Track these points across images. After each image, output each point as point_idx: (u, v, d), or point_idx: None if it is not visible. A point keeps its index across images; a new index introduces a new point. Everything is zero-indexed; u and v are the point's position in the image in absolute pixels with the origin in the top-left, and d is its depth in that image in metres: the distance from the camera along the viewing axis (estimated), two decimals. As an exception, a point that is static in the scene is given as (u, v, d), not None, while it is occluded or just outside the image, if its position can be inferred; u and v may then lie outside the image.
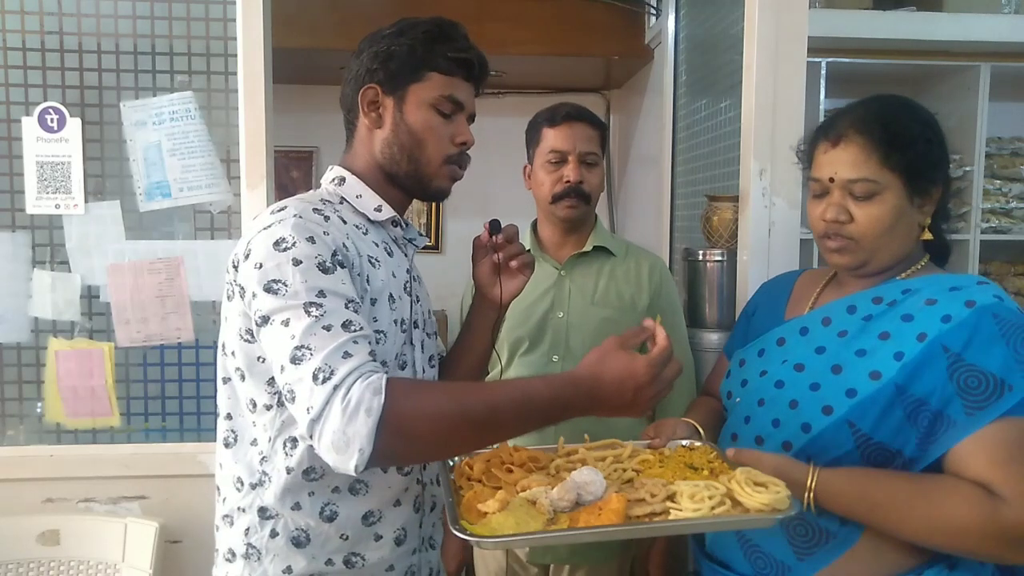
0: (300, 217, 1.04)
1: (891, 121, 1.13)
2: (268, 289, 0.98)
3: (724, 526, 1.08)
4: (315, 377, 0.92)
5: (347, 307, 0.99)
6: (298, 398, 0.93)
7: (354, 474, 0.91)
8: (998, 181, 2.43)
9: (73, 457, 1.80)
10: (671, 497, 1.02)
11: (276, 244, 1.01)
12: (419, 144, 1.17)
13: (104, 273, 1.77)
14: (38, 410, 1.81)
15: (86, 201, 1.76)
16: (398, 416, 0.91)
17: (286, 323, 0.96)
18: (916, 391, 1.07)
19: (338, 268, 1.02)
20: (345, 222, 1.13)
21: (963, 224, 2.36)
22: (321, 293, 0.98)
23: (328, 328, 0.96)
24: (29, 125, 1.74)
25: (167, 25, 1.77)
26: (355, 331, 0.97)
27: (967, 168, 2.34)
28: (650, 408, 1.03)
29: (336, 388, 0.91)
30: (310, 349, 0.94)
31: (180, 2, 1.77)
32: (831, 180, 1.15)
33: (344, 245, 1.06)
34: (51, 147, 1.75)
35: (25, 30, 1.75)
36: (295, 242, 1.01)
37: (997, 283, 2.56)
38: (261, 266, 1.00)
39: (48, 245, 1.78)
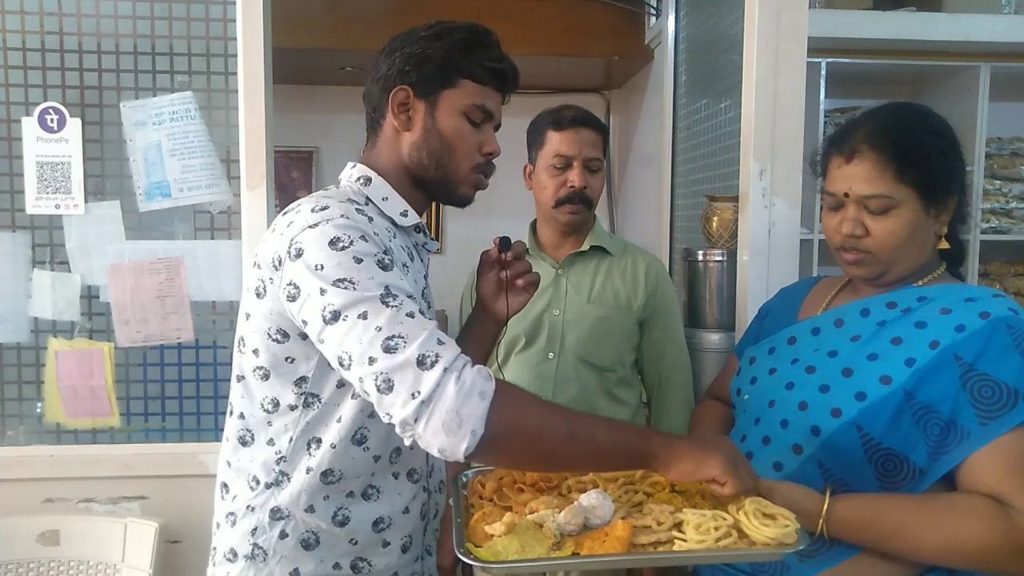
0: (347, 217, 1.03)
1: (904, 135, 1.12)
2: (336, 287, 0.97)
3: (728, 559, 1.08)
4: (421, 362, 0.92)
5: (412, 300, 0.99)
6: (398, 385, 0.91)
7: (462, 458, 0.91)
8: (998, 181, 2.43)
9: (73, 457, 1.80)
10: (678, 526, 1.02)
11: (332, 243, 0.99)
12: (449, 151, 1.16)
13: (104, 273, 1.77)
14: (38, 410, 1.81)
15: (86, 201, 1.76)
16: (509, 403, 0.94)
17: (364, 316, 0.95)
18: (924, 397, 1.07)
19: (393, 267, 1.02)
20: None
21: (963, 224, 2.36)
22: (388, 287, 0.98)
23: (412, 316, 0.96)
24: (29, 125, 1.74)
25: (167, 25, 1.77)
26: (432, 321, 0.98)
27: (967, 168, 2.33)
28: (728, 476, 1.01)
29: (447, 371, 0.92)
30: (403, 338, 0.93)
31: (180, 2, 1.77)
32: (846, 195, 1.15)
33: (389, 247, 1.06)
34: (51, 147, 1.75)
35: (25, 30, 1.75)
36: (352, 240, 1.00)
37: (997, 283, 2.58)
38: (322, 267, 0.98)
39: (48, 245, 1.78)
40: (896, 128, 1.13)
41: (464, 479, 1.24)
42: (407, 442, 0.94)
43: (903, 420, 1.07)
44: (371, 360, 0.93)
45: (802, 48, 1.72)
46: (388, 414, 0.93)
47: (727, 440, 1.16)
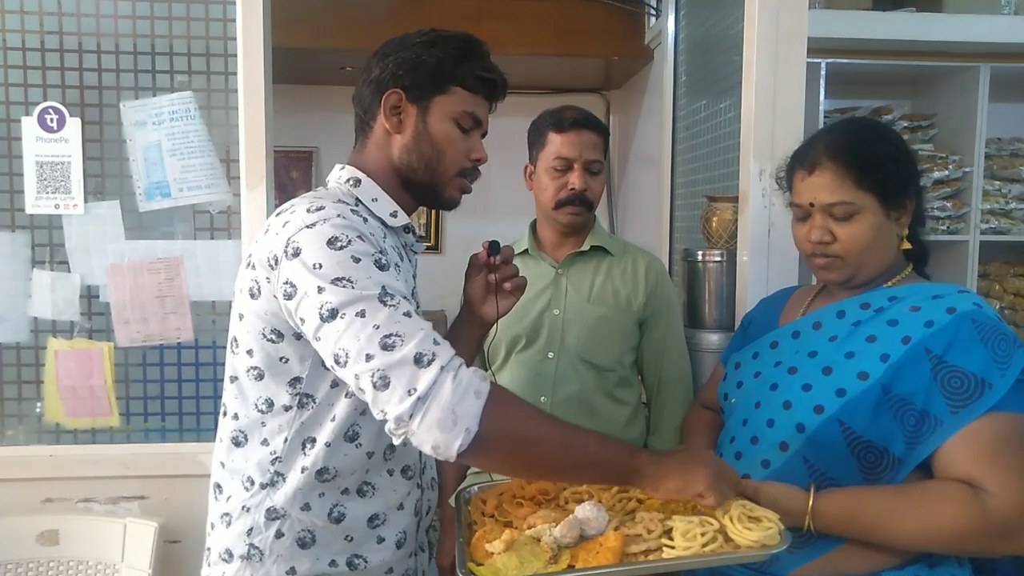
0: (344, 217, 1.05)
1: (859, 145, 1.20)
2: (335, 285, 0.98)
3: (713, 563, 1.13)
4: (418, 360, 0.94)
5: (407, 300, 1.01)
6: (395, 381, 0.93)
7: (455, 456, 0.93)
8: (998, 182, 2.43)
9: (73, 457, 1.80)
10: (667, 533, 1.08)
11: (330, 243, 1.01)
12: (438, 155, 1.18)
13: (104, 273, 1.77)
14: (38, 410, 1.81)
15: (86, 201, 1.76)
16: (503, 405, 0.97)
17: (362, 314, 0.96)
18: (900, 390, 1.13)
19: (389, 267, 1.04)
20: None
21: (963, 225, 2.37)
22: (385, 287, 0.99)
23: (408, 315, 0.98)
24: (29, 125, 1.74)
25: (167, 25, 1.77)
26: (427, 321, 1.00)
27: (967, 168, 2.34)
28: (711, 491, 1.05)
29: (444, 369, 0.94)
30: (400, 336, 0.95)
31: (180, 2, 1.77)
32: (811, 205, 1.22)
33: (384, 248, 1.08)
34: (51, 147, 1.75)
35: (25, 30, 1.75)
36: (349, 240, 1.02)
37: (996, 283, 2.58)
38: (320, 266, 0.99)
39: (48, 245, 1.78)
40: (852, 139, 1.21)
41: (467, 496, 1.26)
42: (397, 440, 0.95)
43: (882, 413, 1.13)
44: (368, 357, 0.94)
45: (802, 48, 1.73)
46: (383, 411, 0.94)
47: (710, 452, 1.24)
